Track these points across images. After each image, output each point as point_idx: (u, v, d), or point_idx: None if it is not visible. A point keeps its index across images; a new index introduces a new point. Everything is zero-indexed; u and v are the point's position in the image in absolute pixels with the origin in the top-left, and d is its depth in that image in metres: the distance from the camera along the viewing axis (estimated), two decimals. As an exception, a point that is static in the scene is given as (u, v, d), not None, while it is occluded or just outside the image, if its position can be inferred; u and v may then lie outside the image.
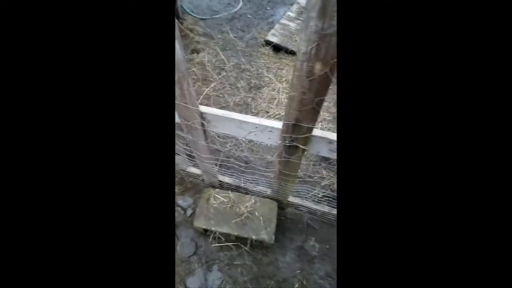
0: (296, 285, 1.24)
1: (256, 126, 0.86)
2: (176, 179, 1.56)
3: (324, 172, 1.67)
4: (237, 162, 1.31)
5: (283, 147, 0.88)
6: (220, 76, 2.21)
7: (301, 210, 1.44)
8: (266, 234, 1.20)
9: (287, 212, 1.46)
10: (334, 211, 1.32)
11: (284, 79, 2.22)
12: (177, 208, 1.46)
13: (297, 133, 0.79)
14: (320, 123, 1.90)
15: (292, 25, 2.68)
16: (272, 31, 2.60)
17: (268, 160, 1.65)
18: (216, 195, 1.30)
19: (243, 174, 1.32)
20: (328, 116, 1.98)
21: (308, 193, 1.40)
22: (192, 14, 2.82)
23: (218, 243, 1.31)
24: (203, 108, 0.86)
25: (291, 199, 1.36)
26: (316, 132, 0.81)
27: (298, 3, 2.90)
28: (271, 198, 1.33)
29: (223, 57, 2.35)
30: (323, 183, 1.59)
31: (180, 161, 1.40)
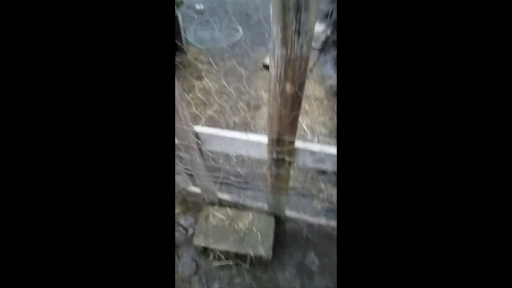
0: (297, 303, 1.21)
1: (245, 142, 0.93)
2: (178, 199, 1.62)
3: (322, 185, 1.69)
4: (233, 179, 1.36)
5: (272, 160, 0.94)
6: (222, 100, 2.35)
7: (300, 224, 1.45)
8: (263, 250, 1.21)
9: (286, 227, 1.47)
10: (332, 223, 1.33)
11: (268, 125, 2.34)
12: (178, 228, 1.51)
13: (281, 146, 0.85)
14: (316, 137, 1.96)
15: (288, 49, 2.86)
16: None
17: (260, 173, 1.70)
18: (215, 213, 1.34)
19: (241, 190, 1.37)
20: (324, 130, 2.04)
21: (307, 207, 1.42)
22: (196, 45, 3.08)
23: (218, 261, 1.33)
24: (197, 128, 0.95)
25: (288, 213, 1.38)
26: (299, 144, 0.87)
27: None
28: (268, 214, 1.35)
29: (224, 82, 2.52)
30: (321, 196, 1.61)
31: (181, 181, 1.47)
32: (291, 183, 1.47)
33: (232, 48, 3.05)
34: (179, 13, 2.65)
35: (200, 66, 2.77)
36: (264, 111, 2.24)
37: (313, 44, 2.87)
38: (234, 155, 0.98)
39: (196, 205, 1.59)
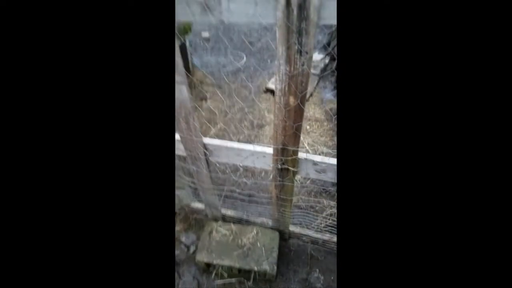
0: (303, 325, 1.16)
1: (252, 154, 0.98)
2: (180, 217, 1.63)
3: (325, 202, 1.69)
4: (238, 193, 1.39)
5: (276, 170, 0.98)
6: (226, 118, 2.45)
7: (304, 241, 1.44)
8: (267, 265, 1.20)
9: (290, 244, 1.46)
10: (336, 239, 1.32)
11: (273, 135, 2.44)
12: (180, 245, 1.49)
13: (285, 155, 0.91)
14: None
15: (289, 73, 3.04)
16: (272, 80, 2.95)
17: (265, 185, 1.72)
18: (219, 228, 1.34)
19: (245, 204, 1.38)
20: (326, 150, 2.10)
21: (311, 223, 1.42)
22: (202, 69, 3.28)
23: (221, 280, 1.30)
24: (206, 140, 1.01)
25: (292, 228, 1.38)
26: (302, 155, 0.92)
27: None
28: (273, 229, 1.35)
29: (229, 102, 2.64)
30: (325, 213, 1.61)
31: (185, 196, 1.49)
32: (295, 199, 1.49)
33: (236, 73, 3.24)
34: (186, 40, 2.87)
35: (205, 88, 2.93)
36: (267, 130, 2.32)
37: (313, 70, 3.06)
38: (241, 165, 1.02)
39: (198, 222, 1.59)
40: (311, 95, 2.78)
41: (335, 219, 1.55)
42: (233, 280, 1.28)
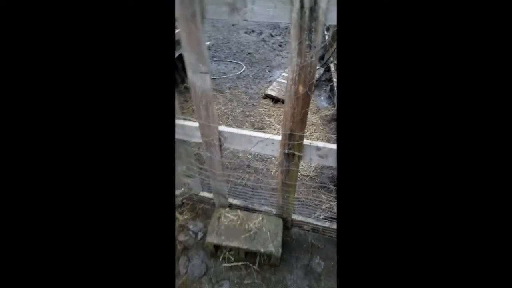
0: (306, 304, 1.24)
1: (261, 140, 1.11)
2: (188, 207, 1.71)
3: (323, 197, 1.82)
4: (245, 179, 1.49)
5: (283, 155, 1.11)
6: (228, 120, 2.59)
7: (306, 229, 1.54)
8: (273, 247, 1.29)
9: (292, 233, 1.55)
10: (335, 226, 1.43)
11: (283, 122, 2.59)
12: (188, 233, 1.56)
13: (292, 140, 1.03)
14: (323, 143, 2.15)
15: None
16: (271, 87, 3.13)
17: (273, 168, 1.84)
18: (226, 214, 1.44)
19: (252, 192, 1.49)
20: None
21: (311, 215, 1.53)
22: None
23: (227, 263, 1.37)
24: (221, 127, 1.13)
25: (295, 216, 1.48)
26: (306, 141, 1.06)
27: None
28: (276, 216, 1.45)
29: (230, 106, 2.79)
30: (323, 207, 1.72)
31: (194, 184, 1.58)
32: (296, 194, 1.60)
33: (236, 80, 3.42)
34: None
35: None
36: (268, 132, 2.46)
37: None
38: (252, 151, 1.14)
39: (205, 212, 1.67)
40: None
41: (333, 212, 1.67)
42: (240, 263, 1.36)
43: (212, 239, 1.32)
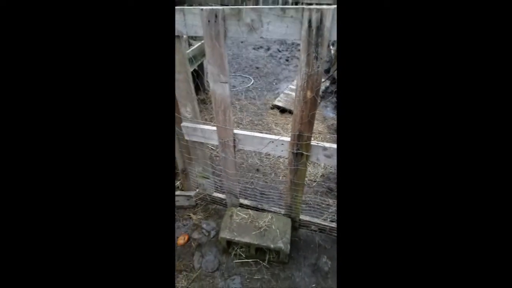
0: (314, 299, 1.29)
1: (272, 141, 1.23)
2: (201, 207, 1.81)
3: (330, 200, 1.89)
4: (256, 179, 1.59)
5: (292, 155, 1.22)
6: (238, 128, 2.73)
7: (313, 231, 1.61)
8: (282, 243, 1.37)
9: (300, 234, 1.62)
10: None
11: (290, 131, 2.72)
12: (201, 231, 1.66)
13: (300, 140, 1.15)
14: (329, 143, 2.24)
15: (293, 94, 3.40)
16: (278, 98, 3.29)
17: (280, 173, 1.94)
18: (238, 213, 1.53)
19: (261, 193, 1.58)
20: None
21: (318, 218, 1.61)
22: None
23: (239, 259, 1.45)
24: (236, 130, 1.26)
25: (302, 217, 1.56)
26: (314, 142, 1.17)
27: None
28: (285, 215, 1.54)
29: (240, 116, 2.94)
30: (330, 210, 1.80)
31: (208, 186, 1.70)
32: (303, 198, 1.69)
33: (245, 92, 3.60)
34: (204, 62, 3.27)
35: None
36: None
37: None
38: (263, 151, 1.26)
39: (216, 212, 1.77)
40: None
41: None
42: (250, 260, 1.43)
43: (225, 234, 1.42)
